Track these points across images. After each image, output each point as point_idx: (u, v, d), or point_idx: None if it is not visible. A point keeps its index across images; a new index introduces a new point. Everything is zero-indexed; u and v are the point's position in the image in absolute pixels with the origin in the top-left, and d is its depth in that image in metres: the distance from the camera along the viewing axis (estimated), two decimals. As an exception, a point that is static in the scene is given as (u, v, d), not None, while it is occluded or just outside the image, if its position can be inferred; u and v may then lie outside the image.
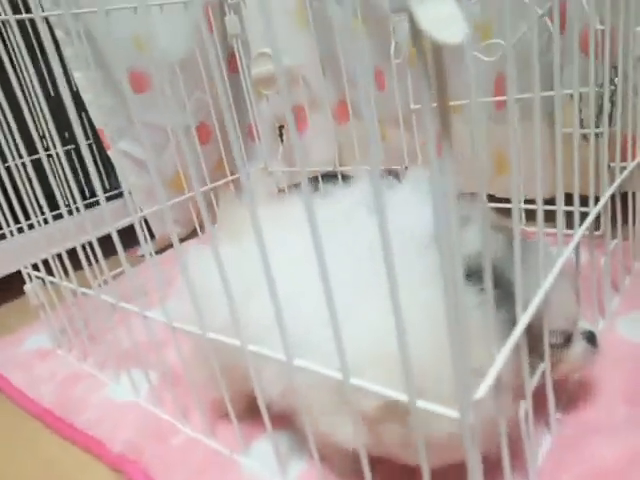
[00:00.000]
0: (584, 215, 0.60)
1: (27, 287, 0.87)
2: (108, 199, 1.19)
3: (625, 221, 0.77)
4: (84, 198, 0.65)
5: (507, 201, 0.95)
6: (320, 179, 1.19)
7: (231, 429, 0.57)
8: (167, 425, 0.65)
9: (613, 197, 0.70)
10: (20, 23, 0.60)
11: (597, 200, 0.69)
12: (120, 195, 1.33)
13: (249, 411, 0.57)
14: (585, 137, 0.85)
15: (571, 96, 0.81)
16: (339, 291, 0.35)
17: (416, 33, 0.24)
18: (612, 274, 0.72)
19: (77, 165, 1.31)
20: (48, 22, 1.10)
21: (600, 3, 0.66)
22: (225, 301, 0.46)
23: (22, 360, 0.89)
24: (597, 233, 0.74)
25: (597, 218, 0.71)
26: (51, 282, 0.83)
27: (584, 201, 0.61)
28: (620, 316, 0.69)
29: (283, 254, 0.45)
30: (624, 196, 0.76)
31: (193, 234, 1.36)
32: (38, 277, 0.86)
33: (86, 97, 1.18)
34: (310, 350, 0.42)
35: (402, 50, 1.05)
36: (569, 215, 0.55)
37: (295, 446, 0.56)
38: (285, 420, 0.54)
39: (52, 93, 1.16)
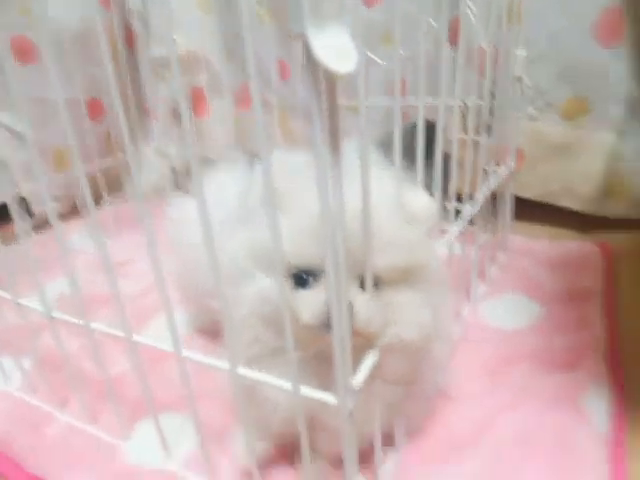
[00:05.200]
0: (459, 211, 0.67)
1: None
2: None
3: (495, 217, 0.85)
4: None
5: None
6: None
7: (113, 414, 0.55)
8: (42, 414, 0.62)
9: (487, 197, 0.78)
10: None
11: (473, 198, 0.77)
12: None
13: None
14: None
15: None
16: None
17: (311, 62, 0.26)
18: (480, 264, 0.80)
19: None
20: None
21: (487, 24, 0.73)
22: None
23: None
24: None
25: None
26: None
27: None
28: (482, 302, 0.77)
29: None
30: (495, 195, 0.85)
31: (74, 212, 1.26)
32: None
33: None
34: None
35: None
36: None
37: (183, 428, 0.56)
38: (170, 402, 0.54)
39: None
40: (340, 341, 0.34)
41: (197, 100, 1.32)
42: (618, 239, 0.93)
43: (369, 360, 0.40)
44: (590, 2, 0.89)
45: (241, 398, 0.44)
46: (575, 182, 1.00)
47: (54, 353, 0.59)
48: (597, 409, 0.53)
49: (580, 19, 0.90)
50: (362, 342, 0.41)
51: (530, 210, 0.99)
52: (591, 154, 0.98)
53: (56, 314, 0.55)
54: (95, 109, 1.29)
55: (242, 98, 1.32)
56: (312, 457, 0.43)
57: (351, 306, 0.39)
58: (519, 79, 0.84)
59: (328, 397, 0.38)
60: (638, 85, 0.93)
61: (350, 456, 0.39)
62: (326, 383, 0.40)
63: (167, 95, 1.33)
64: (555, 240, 0.94)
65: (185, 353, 0.46)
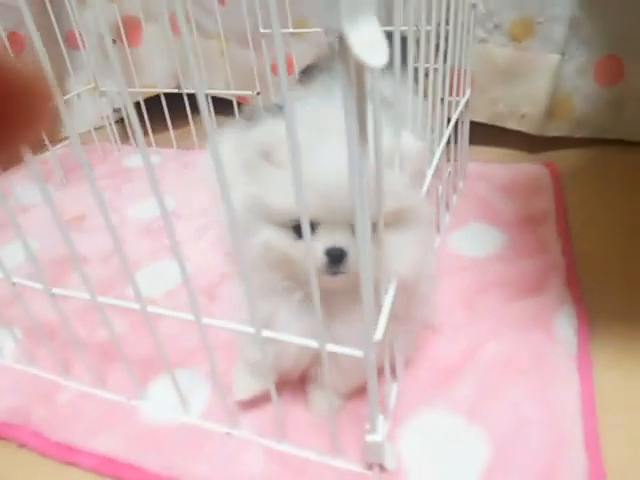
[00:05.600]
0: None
1: None
2: None
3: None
4: None
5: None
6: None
7: (122, 376, 0.57)
8: (47, 383, 0.62)
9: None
10: None
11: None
12: None
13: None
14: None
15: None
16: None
17: (345, 53, 0.27)
18: (446, 195, 0.84)
19: None
20: None
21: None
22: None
23: None
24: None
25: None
26: None
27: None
28: (450, 234, 0.82)
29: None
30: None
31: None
32: None
33: None
34: None
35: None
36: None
37: (195, 381, 0.59)
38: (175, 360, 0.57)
39: None
40: (367, 306, 0.38)
41: (130, 28, 1.22)
42: (563, 157, 1.00)
43: (384, 312, 0.44)
44: None
45: (255, 345, 0.47)
46: (521, 104, 1.04)
47: (44, 321, 0.59)
48: (565, 327, 0.60)
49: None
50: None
51: (479, 133, 1.03)
52: (537, 76, 1.02)
53: (57, 290, 0.54)
54: (16, 44, 1.16)
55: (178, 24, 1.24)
56: (323, 390, 0.48)
57: (345, 253, 0.44)
58: (474, 6, 0.84)
59: (355, 352, 0.42)
60: (579, 3, 0.96)
61: (373, 398, 0.44)
62: (331, 313, 0.47)
63: (96, 25, 1.22)
64: (506, 162, 1.00)
65: (205, 321, 0.48)
